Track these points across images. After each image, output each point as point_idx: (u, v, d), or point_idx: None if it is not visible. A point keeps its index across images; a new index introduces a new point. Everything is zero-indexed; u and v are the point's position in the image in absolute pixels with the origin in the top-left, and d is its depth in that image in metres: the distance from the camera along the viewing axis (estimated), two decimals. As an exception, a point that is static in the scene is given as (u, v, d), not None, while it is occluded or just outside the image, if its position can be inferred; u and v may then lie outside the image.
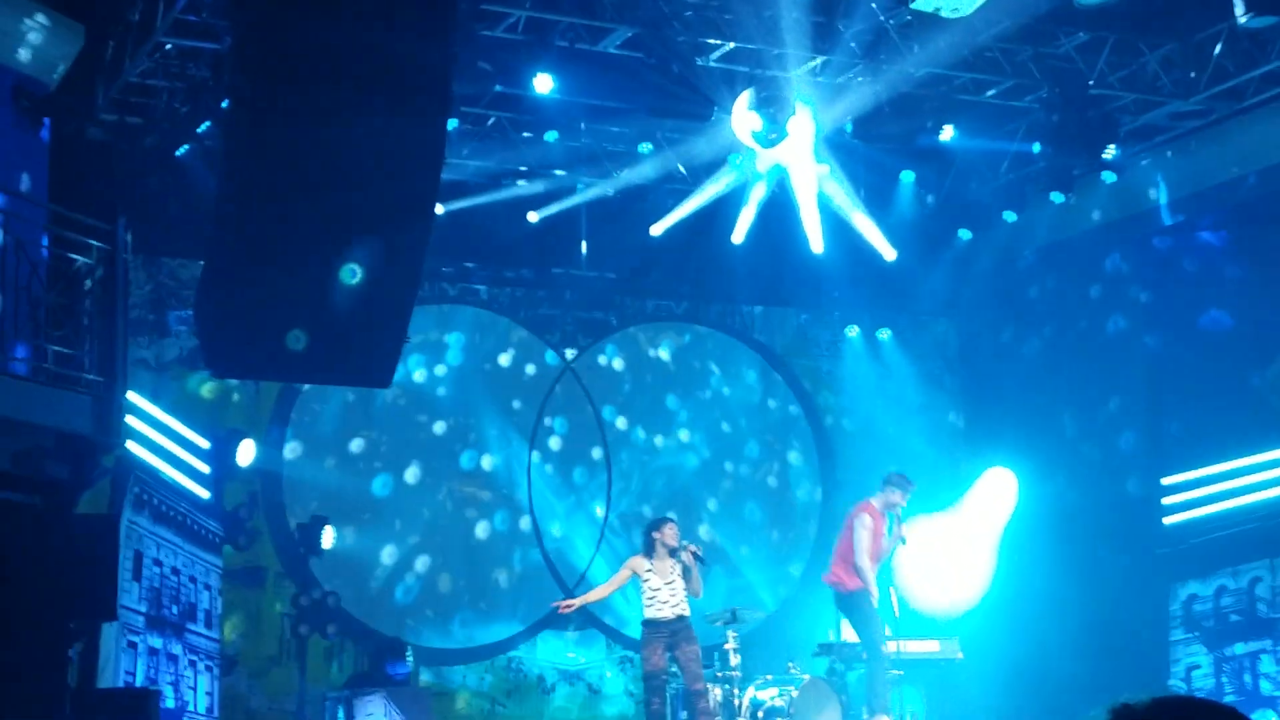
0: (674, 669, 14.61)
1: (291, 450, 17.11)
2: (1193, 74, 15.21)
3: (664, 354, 19.18)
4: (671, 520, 14.88)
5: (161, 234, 15.63)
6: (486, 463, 18.10)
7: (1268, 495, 14.68)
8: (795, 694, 15.14)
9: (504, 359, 18.38)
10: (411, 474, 17.66)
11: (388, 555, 17.43)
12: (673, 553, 14.57)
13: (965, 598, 17.99)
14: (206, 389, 16.62)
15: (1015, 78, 15.45)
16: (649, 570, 14.56)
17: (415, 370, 17.67)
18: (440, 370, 18.01)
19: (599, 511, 18.54)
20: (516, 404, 18.35)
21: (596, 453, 18.66)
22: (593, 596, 15.07)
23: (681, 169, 17.30)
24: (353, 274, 11.49)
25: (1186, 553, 15.26)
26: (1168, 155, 16.81)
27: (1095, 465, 17.79)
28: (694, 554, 14.63)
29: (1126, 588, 14.91)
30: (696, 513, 18.73)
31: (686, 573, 14.49)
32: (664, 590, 14.56)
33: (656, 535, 14.59)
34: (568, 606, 14.75)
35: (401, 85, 11.51)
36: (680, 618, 14.55)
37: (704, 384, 19.28)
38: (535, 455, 18.33)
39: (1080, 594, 14.82)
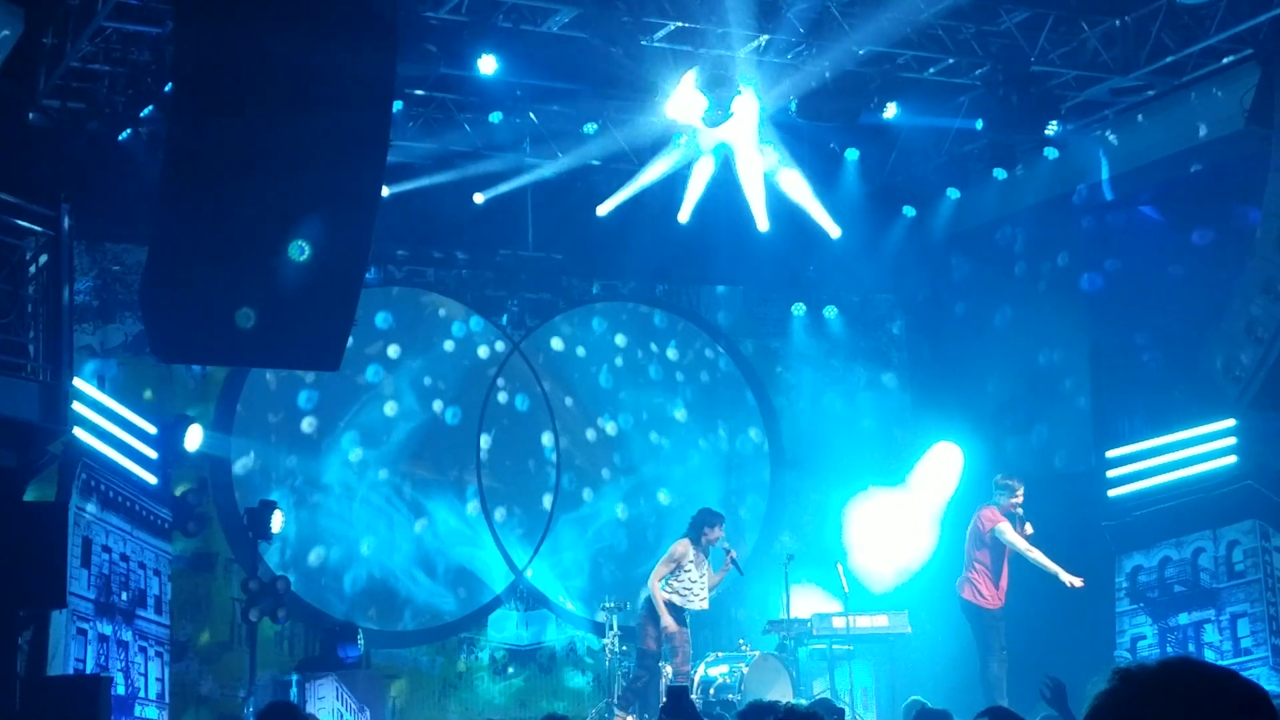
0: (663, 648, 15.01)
1: (239, 434, 17.05)
2: (1132, 46, 15.33)
3: (611, 334, 19.20)
4: (721, 519, 15.25)
5: (105, 219, 15.56)
6: (435, 444, 18.08)
7: (1209, 467, 14.83)
8: (746, 670, 15.27)
9: (450, 341, 18.35)
10: (358, 456, 17.62)
11: (338, 538, 17.40)
12: (709, 550, 15.02)
13: (907, 566, 18.16)
14: (140, 375, 16.55)
15: (957, 55, 15.53)
16: (691, 561, 14.91)
17: (362, 353, 17.61)
18: (388, 352, 17.96)
19: (547, 493, 18.56)
20: (464, 386, 18.33)
21: (545, 433, 18.68)
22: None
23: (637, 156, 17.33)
24: (300, 251, 11.46)
25: (1131, 525, 15.41)
26: (1109, 131, 16.94)
27: (1040, 438, 17.96)
28: (733, 560, 15.06)
29: (1072, 560, 15.03)
30: (645, 491, 18.78)
31: (715, 568, 15.02)
32: (699, 583, 14.97)
33: (706, 531, 15.02)
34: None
35: (346, 67, 11.49)
36: (699, 611, 15.08)
37: (651, 363, 19.32)
38: (483, 437, 18.33)
39: (1027, 567, 14.94)
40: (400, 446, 17.87)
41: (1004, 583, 14.98)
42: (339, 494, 17.48)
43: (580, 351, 19.04)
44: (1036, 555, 14.83)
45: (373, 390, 17.82)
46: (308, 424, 17.45)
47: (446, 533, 17.95)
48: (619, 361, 19.17)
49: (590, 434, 18.90)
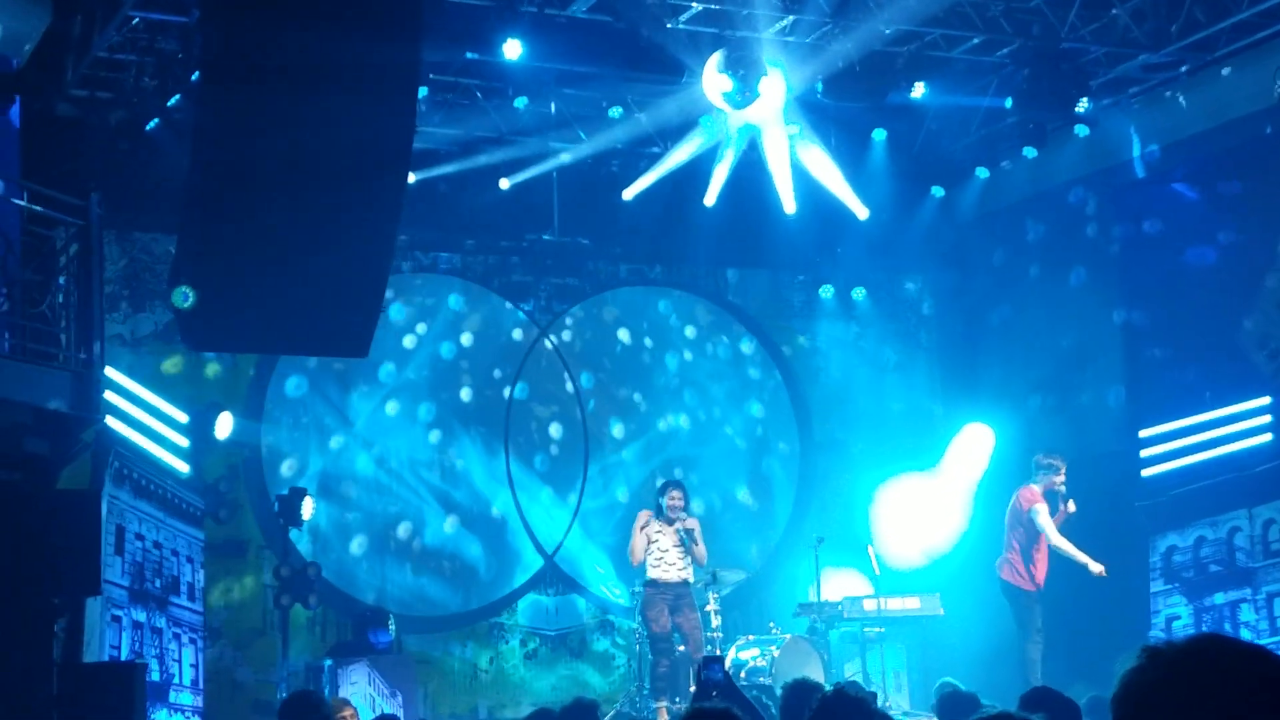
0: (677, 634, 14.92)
1: (270, 421, 17.10)
2: (1163, 21, 15.23)
3: (638, 318, 19.17)
4: (676, 486, 15.18)
5: (135, 209, 15.59)
6: (463, 431, 18.09)
7: (1244, 445, 14.74)
8: (777, 654, 15.25)
9: (478, 326, 18.35)
10: (389, 443, 17.64)
11: (366, 525, 17.43)
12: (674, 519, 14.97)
13: (938, 548, 18.11)
14: (170, 363, 16.58)
15: (986, 33, 15.45)
16: (658, 531, 14.90)
17: (391, 339, 17.62)
18: (416, 339, 17.97)
19: (576, 477, 18.55)
20: (492, 372, 18.33)
21: (573, 418, 18.67)
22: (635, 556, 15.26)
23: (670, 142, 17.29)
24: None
25: (1165, 504, 15.33)
26: (1140, 107, 16.84)
27: (1072, 418, 17.87)
28: (686, 529, 14.95)
29: (1106, 540, 14.98)
30: (673, 475, 18.74)
31: (684, 540, 14.88)
32: (671, 552, 14.90)
33: (662, 499, 15.00)
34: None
35: (371, 54, 11.49)
36: (684, 582, 14.94)
37: (679, 347, 19.29)
38: (512, 422, 18.32)
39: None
40: (428, 433, 17.88)
41: (1043, 563, 14.92)
42: (368, 480, 17.51)
43: (608, 335, 19.02)
44: (1063, 544, 14.79)
45: (401, 377, 17.83)
46: (338, 410, 17.47)
47: (476, 517, 17.97)
48: (644, 345, 19.14)
49: (618, 417, 18.88)
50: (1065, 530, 14.97)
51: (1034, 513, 14.87)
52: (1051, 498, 14.96)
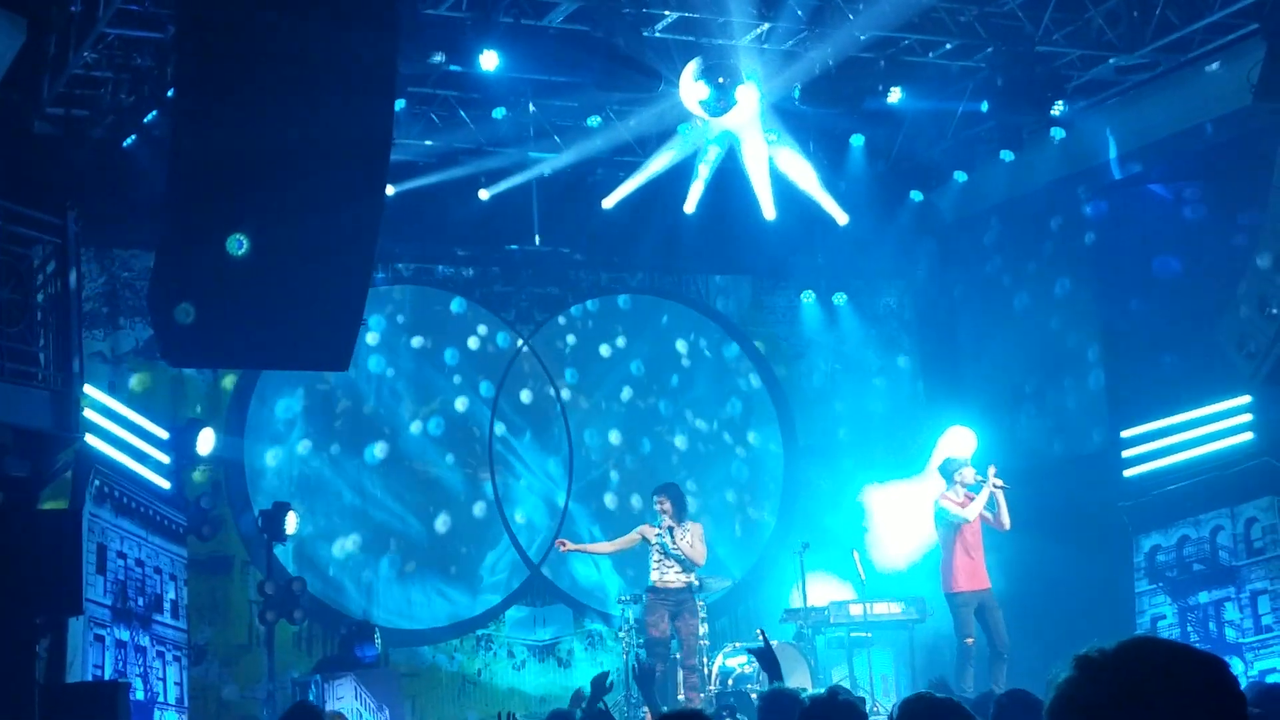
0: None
1: (252, 436, 17.06)
2: (1136, 23, 15.26)
3: (620, 326, 19.16)
4: (661, 491, 15.15)
5: (113, 226, 15.58)
6: (447, 442, 18.06)
7: (1226, 444, 14.76)
8: (764, 660, 15.22)
9: (459, 337, 18.33)
10: (373, 456, 17.61)
11: (353, 539, 17.39)
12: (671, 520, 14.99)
13: (922, 552, 18.10)
14: (151, 379, 16.53)
15: (961, 38, 15.48)
16: (659, 536, 14.88)
17: (372, 353, 17.61)
18: (397, 351, 17.95)
19: (561, 487, 18.53)
20: (475, 383, 18.32)
21: (557, 428, 18.66)
22: (594, 548, 15.65)
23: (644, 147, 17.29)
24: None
25: (1148, 504, 15.34)
26: (1116, 109, 16.87)
27: (1054, 419, 17.90)
28: (666, 529, 14.91)
29: (1090, 541, 14.98)
30: (657, 482, 18.70)
31: (664, 548, 14.87)
32: (665, 560, 14.85)
33: (654, 504, 15.08)
34: (564, 545, 15.65)
35: (347, 67, 11.50)
36: (687, 586, 14.92)
37: (661, 355, 19.28)
38: (496, 432, 18.31)
39: (1044, 549, 14.90)
40: (412, 445, 17.85)
41: (966, 563, 14.83)
42: (353, 493, 17.47)
43: (589, 345, 19.00)
44: (976, 509, 14.81)
45: (383, 389, 17.81)
46: (320, 424, 17.44)
47: (462, 529, 17.94)
48: (627, 353, 19.13)
49: (601, 424, 18.87)
50: (1014, 512, 14.96)
51: (936, 506, 14.91)
52: (974, 489, 14.96)
